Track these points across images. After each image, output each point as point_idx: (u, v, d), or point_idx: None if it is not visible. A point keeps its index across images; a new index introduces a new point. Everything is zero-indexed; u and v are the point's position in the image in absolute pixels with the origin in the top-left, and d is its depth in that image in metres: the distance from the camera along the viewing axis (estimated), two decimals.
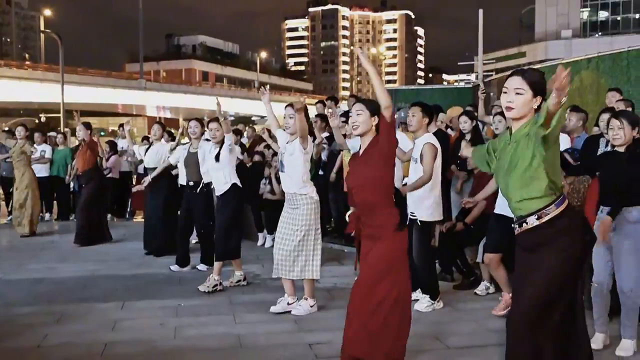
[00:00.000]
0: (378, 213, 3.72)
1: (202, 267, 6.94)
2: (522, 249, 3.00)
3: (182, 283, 6.36)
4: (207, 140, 6.96)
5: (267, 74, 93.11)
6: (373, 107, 3.80)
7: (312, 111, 10.26)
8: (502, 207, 4.94)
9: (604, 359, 3.99)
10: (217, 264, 6.00)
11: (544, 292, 2.87)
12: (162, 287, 6.18)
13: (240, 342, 4.43)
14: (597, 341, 4.11)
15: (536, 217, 2.88)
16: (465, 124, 6.64)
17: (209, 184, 6.75)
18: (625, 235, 3.99)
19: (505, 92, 2.90)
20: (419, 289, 5.31)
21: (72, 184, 11.75)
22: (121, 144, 11.37)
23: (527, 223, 2.91)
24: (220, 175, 6.02)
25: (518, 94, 2.87)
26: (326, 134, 8.01)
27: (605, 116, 5.70)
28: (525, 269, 2.95)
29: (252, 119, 56.04)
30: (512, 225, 3.04)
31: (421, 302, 5.24)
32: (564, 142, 5.24)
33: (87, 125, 8.97)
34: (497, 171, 3.06)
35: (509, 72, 12.19)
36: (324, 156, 8.23)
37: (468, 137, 6.54)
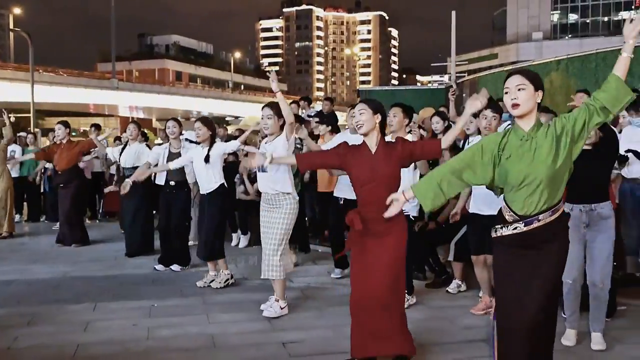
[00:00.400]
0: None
1: (175, 267, 6.91)
2: (520, 248, 2.98)
3: (155, 284, 6.33)
4: (189, 141, 7.00)
5: (241, 74, 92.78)
6: (375, 106, 3.91)
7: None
8: (474, 205, 5.01)
9: (579, 355, 4.07)
10: (221, 261, 6.07)
11: (553, 293, 2.98)
12: (135, 288, 6.14)
13: (214, 341, 4.44)
14: (570, 338, 4.21)
15: (550, 212, 2.94)
16: (437, 125, 6.73)
17: (188, 183, 6.77)
18: (599, 231, 4.10)
19: (507, 92, 2.96)
20: None
21: (42, 185, 11.61)
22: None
23: (539, 220, 2.93)
24: (210, 175, 6.03)
25: (521, 89, 2.94)
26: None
27: None
28: (524, 270, 2.96)
29: (226, 119, 55.79)
30: (512, 227, 2.98)
31: None
32: None
33: (66, 124, 8.85)
34: (515, 163, 2.95)
35: (481, 74, 12.42)
36: None
37: (440, 137, 6.63)
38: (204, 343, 4.41)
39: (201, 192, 6.19)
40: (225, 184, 6.17)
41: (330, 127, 7.72)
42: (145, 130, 11.22)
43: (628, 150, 5.40)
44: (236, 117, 56.82)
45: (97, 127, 11.73)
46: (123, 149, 7.93)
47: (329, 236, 7.55)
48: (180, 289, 6.05)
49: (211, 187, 6.02)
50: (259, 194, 8.05)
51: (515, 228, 2.97)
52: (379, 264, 3.74)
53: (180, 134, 7.01)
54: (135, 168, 7.66)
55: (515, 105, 2.94)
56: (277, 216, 4.99)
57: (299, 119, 8.71)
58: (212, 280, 6.12)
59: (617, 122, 6.17)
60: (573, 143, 2.92)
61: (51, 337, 4.57)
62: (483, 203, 4.91)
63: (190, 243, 8.14)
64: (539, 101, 2.97)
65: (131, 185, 7.68)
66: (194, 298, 5.69)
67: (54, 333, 4.66)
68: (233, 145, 6.26)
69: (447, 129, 6.83)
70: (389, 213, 3.28)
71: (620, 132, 5.85)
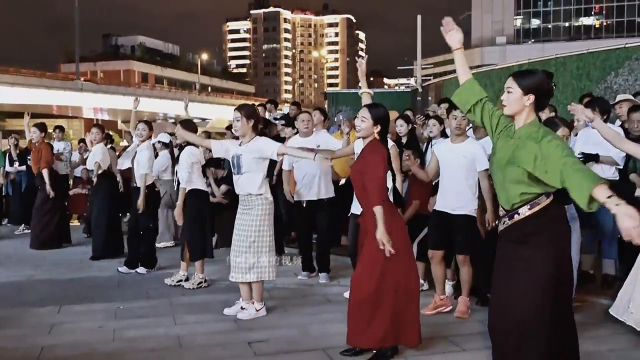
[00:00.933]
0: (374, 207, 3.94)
1: (141, 270, 6.89)
2: (509, 242, 3.07)
3: (121, 286, 6.32)
4: (161, 143, 7.02)
5: (208, 76, 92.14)
6: (376, 117, 4.06)
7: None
8: (441, 204, 5.14)
9: None
10: (198, 263, 6.10)
11: (543, 293, 2.93)
12: (100, 290, 6.12)
13: (180, 342, 4.48)
14: None
15: (528, 207, 3.01)
16: (402, 128, 6.86)
17: (155, 185, 6.78)
18: None
19: (503, 92, 3.14)
20: None
21: (3, 188, 11.39)
22: (57, 146, 11.10)
23: (519, 214, 3.03)
24: (182, 178, 6.09)
25: (509, 92, 3.08)
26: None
27: None
28: (513, 266, 3.01)
29: (193, 121, 55.33)
30: (502, 222, 3.12)
31: None
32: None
33: (41, 128, 8.77)
34: (494, 163, 3.17)
35: (445, 77, 12.64)
36: None
37: (404, 140, 6.77)
38: (170, 343, 4.44)
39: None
40: (201, 185, 6.21)
41: (296, 130, 7.81)
42: (111, 132, 11.14)
43: (581, 154, 5.59)
44: (203, 119, 56.39)
45: (61, 129, 11.62)
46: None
47: (296, 238, 7.63)
48: (147, 291, 6.06)
49: (187, 189, 6.10)
50: (224, 196, 8.13)
51: (504, 223, 3.11)
52: (365, 259, 4.00)
53: (149, 137, 7.03)
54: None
55: (503, 106, 3.13)
56: (249, 218, 5.01)
57: (265, 122, 8.81)
58: (180, 280, 6.15)
59: (572, 125, 6.39)
60: (547, 180, 2.92)
61: (15, 340, 4.54)
62: (452, 202, 5.03)
63: (162, 245, 8.15)
64: (528, 104, 3.05)
65: (98, 189, 7.69)
66: (160, 300, 5.71)
67: (18, 336, 4.63)
68: (197, 154, 6.25)
69: (410, 131, 6.97)
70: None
71: (576, 135, 6.08)
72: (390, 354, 4.01)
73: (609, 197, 2.59)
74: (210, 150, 5.86)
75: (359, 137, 4.19)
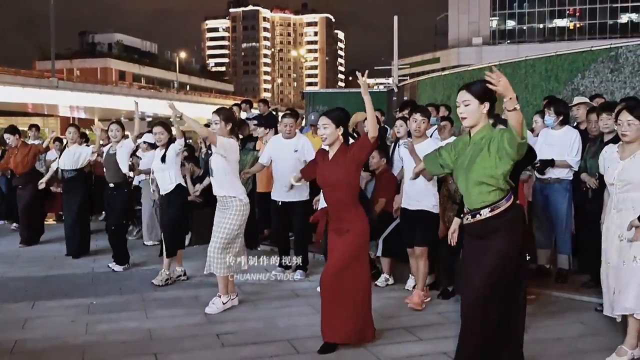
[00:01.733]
0: (345, 210, 4.18)
1: (117, 268, 6.96)
2: (472, 237, 3.44)
3: (94, 282, 6.44)
4: (147, 143, 7.11)
5: (186, 74, 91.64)
6: (337, 120, 4.26)
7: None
8: (404, 201, 5.41)
9: None
10: (166, 260, 6.20)
11: (495, 270, 3.29)
12: (73, 287, 6.23)
13: (151, 335, 4.64)
14: None
15: (489, 209, 3.33)
16: (401, 128, 7.02)
17: (129, 184, 6.87)
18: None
19: (458, 106, 3.38)
20: None
21: None
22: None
23: (480, 214, 3.35)
24: (166, 176, 6.20)
25: (466, 105, 3.35)
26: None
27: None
28: (475, 253, 3.38)
29: (171, 120, 55.07)
30: (464, 217, 3.47)
31: None
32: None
33: (13, 131, 8.92)
34: (457, 169, 3.50)
35: (419, 77, 12.87)
36: None
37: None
38: (141, 336, 4.60)
39: (161, 193, 6.36)
40: (183, 183, 6.37)
41: (268, 130, 7.98)
42: (87, 131, 11.18)
43: (539, 161, 5.78)
44: (181, 118, 56.10)
45: (36, 127, 11.63)
46: (62, 151, 7.99)
47: (269, 235, 7.80)
48: (120, 287, 6.19)
49: (169, 187, 6.21)
50: (198, 194, 8.26)
51: (467, 219, 3.44)
52: (335, 258, 4.21)
53: (123, 137, 7.13)
54: (75, 170, 7.72)
55: (463, 119, 3.39)
56: (225, 216, 5.21)
57: (239, 122, 8.95)
58: (168, 279, 6.24)
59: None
60: (498, 161, 3.28)
61: None
62: (411, 198, 5.31)
63: (150, 243, 8.22)
64: (485, 111, 3.35)
65: (72, 187, 7.77)
66: (132, 295, 5.85)
67: None
68: (178, 144, 6.33)
69: (379, 132, 7.17)
70: None
71: (536, 136, 6.34)
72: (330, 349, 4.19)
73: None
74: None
75: (327, 145, 4.33)
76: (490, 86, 3.07)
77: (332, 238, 4.30)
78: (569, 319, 4.85)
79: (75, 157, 7.78)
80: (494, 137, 3.28)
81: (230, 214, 5.20)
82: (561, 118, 5.91)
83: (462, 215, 3.58)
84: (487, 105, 3.35)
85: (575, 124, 6.55)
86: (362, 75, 4.13)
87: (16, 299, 5.68)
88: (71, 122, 57.31)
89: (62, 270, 7.09)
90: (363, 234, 4.24)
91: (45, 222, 11.05)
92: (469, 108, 3.35)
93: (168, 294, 5.88)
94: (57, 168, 8.25)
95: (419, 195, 5.27)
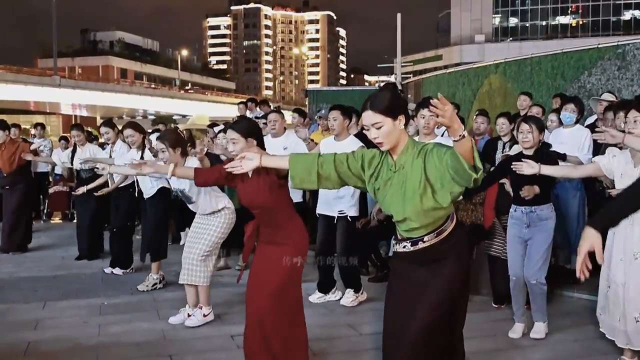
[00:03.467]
0: (281, 220, 3.66)
1: (118, 271, 6.82)
2: (413, 264, 2.84)
3: (104, 283, 6.42)
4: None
5: (188, 72, 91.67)
6: (346, 111, 4.17)
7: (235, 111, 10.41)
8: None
9: (522, 344, 4.45)
10: (154, 264, 6.08)
11: (445, 300, 2.76)
12: (84, 287, 6.21)
13: (165, 335, 4.62)
14: (517, 331, 4.57)
15: (435, 234, 2.76)
16: (410, 128, 6.99)
17: (132, 186, 6.82)
18: (538, 231, 4.45)
19: (367, 129, 2.71)
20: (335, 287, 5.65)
21: None
22: (36, 144, 11.09)
23: (424, 241, 2.77)
24: (146, 180, 6.02)
25: (378, 128, 2.66)
26: None
27: (501, 120, 6.28)
28: (415, 283, 2.81)
29: (173, 118, 55.13)
30: (402, 245, 2.84)
31: (346, 297, 5.50)
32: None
33: (3, 126, 8.41)
34: (386, 198, 2.79)
35: (424, 75, 12.78)
36: None
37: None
38: (155, 337, 4.58)
39: (144, 197, 6.18)
40: (167, 185, 6.06)
41: None
42: (90, 129, 11.13)
43: (552, 151, 5.78)
44: (184, 116, 56.14)
45: (42, 126, 11.61)
46: (73, 152, 7.84)
47: None
48: (130, 287, 6.16)
49: (151, 192, 6.06)
50: None
51: (405, 247, 2.83)
52: (270, 273, 3.61)
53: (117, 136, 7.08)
54: (91, 170, 7.54)
55: (380, 144, 2.70)
56: (211, 224, 4.89)
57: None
58: (156, 284, 6.11)
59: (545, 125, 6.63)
60: (442, 185, 2.64)
61: (1, 336, 4.63)
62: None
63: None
64: (401, 127, 2.69)
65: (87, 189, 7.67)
66: (144, 295, 5.82)
67: (3, 332, 4.73)
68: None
69: None
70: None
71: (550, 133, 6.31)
72: None
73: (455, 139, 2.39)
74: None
75: (335, 137, 4.25)
76: (436, 119, 2.36)
77: (266, 250, 3.70)
78: (584, 320, 4.82)
79: (92, 156, 7.59)
80: (428, 161, 2.63)
81: (218, 223, 4.89)
82: (580, 116, 5.92)
83: (397, 241, 2.88)
84: (402, 118, 2.68)
85: (595, 119, 6.52)
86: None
87: (27, 300, 5.66)
88: (73, 120, 57.53)
89: (70, 270, 7.06)
90: (300, 247, 3.66)
91: (52, 221, 11.12)
92: (383, 129, 2.65)
93: (179, 294, 5.81)
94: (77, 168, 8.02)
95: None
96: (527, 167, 4.18)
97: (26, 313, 5.25)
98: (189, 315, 4.93)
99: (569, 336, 4.53)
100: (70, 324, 4.93)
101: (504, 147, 6.17)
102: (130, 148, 6.38)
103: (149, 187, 6.09)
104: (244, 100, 11.64)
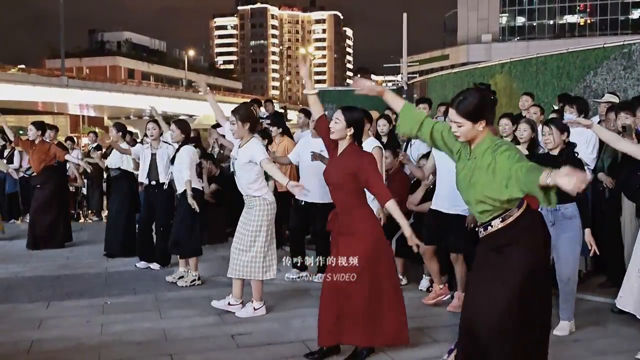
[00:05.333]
0: (349, 210, 4.02)
1: (155, 266, 6.99)
2: (487, 249, 3.12)
3: (108, 283, 6.47)
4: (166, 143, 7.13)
5: (195, 72, 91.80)
6: (350, 118, 4.11)
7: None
8: (437, 203, 5.32)
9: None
10: (192, 261, 6.20)
11: (521, 289, 2.93)
12: (87, 287, 6.26)
13: (166, 335, 4.65)
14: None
15: (500, 220, 3.02)
16: (384, 128, 7.04)
17: (171, 183, 6.85)
18: (563, 229, 4.49)
19: (451, 121, 3.08)
20: None
21: None
22: (71, 158, 11.12)
23: (492, 226, 3.05)
24: (179, 177, 6.20)
25: (459, 126, 3.03)
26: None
27: (503, 121, 6.27)
28: (492, 269, 3.04)
29: (180, 117, 55.21)
30: (477, 229, 3.20)
31: None
32: None
33: (39, 126, 8.71)
34: (459, 183, 3.17)
35: (430, 75, 12.80)
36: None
37: (385, 139, 6.95)
38: (156, 337, 4.61)
39: (177, 192, 6.36)
40: (198, 184, 6.33)
41: (280, 129, 7.98)
42: (96, 130, 11.20)
43: None
44: (191, 116, 56.29)
45: (55, 129, 11.55)
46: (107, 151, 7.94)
47: (288, 236, 7.76)
48: (133, 287, 6.21)
49: (181, 189, 6.21)
50: (212, 195, 8.27)
51: (480, 232, 3.17)
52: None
53: (160, 134, 7.12)
54: (120, 169, 7.68)
55: (457, 137, 3.09)
56: (250, 217, 5.08)
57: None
58: (180, 277, 6.27)
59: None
60: (506, 185, 2.92)
61: (5, 334, 4.68)
62: (446, 201, 5.21)
63: None
64: (481, 129, 3.01)
65: (116, 187, 7.70)
66: (146, 295, 5.87)
67: (7, 330, 4.77)
68: (186, 174, 6.15)
69: (391, 131, 7.16)
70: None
71: None
72: (366, 354, 4.10)
73: (548, 175, 2.59)
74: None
75: (334, 139, 4.22)
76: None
77: (337, 239, 4.12)
78: (585, 320, 4.82)
79: (118, 156, 7.72)
80: (499, 161, 2.92)
81: (254, 215, 5.06)
82: (582, 116, 5.89)
83: (475, 228, 3.31)
84: (482, 123, 3.01)
85: (599, 121, 6.51)
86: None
87: (31, 299, 5.71)
88: (81, 120, 57.74)
89: (75, 270, 7.12)
90: (371, 234, 4.02)
91: None
92: (463, 129, 3.03)
93: (181, 294, 5.89)
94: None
95: (454, 199, 5.16)
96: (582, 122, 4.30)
97: (30, 312, 5.29)
98: (229, 304, 5.15)
99: (569, 336, 4.53)
100: (73, 323, 4.97)
101: None
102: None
103: (180, 185, 6.22)
104: (248, 101, 11.66)
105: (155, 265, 7.03)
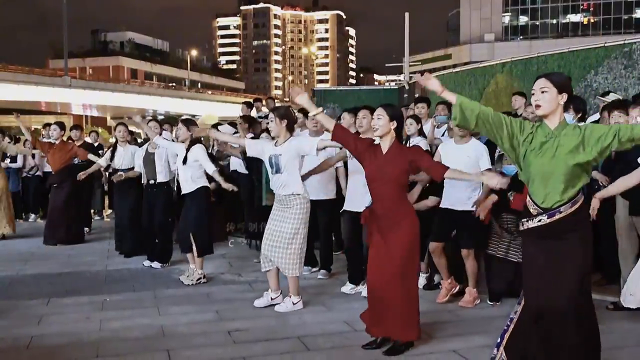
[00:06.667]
0: (396, 206, 4.17)
1: (156, 264, 7.03)
2: (542, 238, 3.20)
3: (108, 280, 6.53)
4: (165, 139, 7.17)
5: (198, 72, 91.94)
6: (393, 113, 4.24)
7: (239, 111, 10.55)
8: (447, 201, 5.38)
9: None
10: (198, 260, 6.24)
11: (584, 277, 3.15)
12: (87, 284, 6.32)
13: (164, 331, 4.70)
14: None
15: (570, 205, 3.15)
16: (411, 127, 6.98)
17: (169, 182, 6.87)
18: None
19: (534, 94, 3.21)
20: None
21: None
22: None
23: (560, 212, 3.15)
24: (188, 177, 6.24)
25: (544, 92, 3.16)
26: (251, 135, 8.30)
27: None
28: (554, 255, 3.16)
29: (183, 118, 55.27)
30: (537, 219, 3.21)
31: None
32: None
33: (62, 126, 8.94)
34: (534, 165, 3.20)
35: (433, 74, 12.66)
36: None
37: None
38: (154, 333, 4.67)
39: (182, 192, 6.37)
40: (207, 183, 6.36)
41: None
42: (99, 130, 11.29)
43: None
44: (193, 116, 56.36)
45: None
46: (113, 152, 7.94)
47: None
48: (133, 284, 6.28)
49: (189, 188, 6.24)
50: (212, 193, 8.29)
51: (540, 220, 3.19)
52: (384, 257, 4.16)
53: (160, 133, 7.19)
54: (128, 170, 7.65)
55: (537, 106, 3.20)
56: (288, 215, 5.14)
57: (250, 120, 9.00)
58: (200, 278, 6.27)
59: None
60: (594, 153, 3.12)
61: (5, 330, 4.74)
62: (456, 199, 5.30)
63: None
64: (562, 103, 3.19)
65: (125, 187, 7.68)
66: (145, 292, 5.92)
67: (7, 327, 4.83)
68: (210, 167, 6.28)
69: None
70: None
71: None
72: (404, 348, 4.18)
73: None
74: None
75: (378, 137, 4.29)
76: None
77: (381, 236, 4.22)
78: None
79: (129, 156, 7.73)
80: (587, 129, 3.16)
81: (294, 213, 5.14)
82: (579, 115, 5.92)
83: (530, 218, 3.26)
84: (564, 96, 3.18)
85: (597, 118, 6.54)
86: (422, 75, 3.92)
87: (32, 296, 5.77)
88: (84, 120, 57.86)
89: (76, 268, 7.18)
90: (414, 231, 4.19)
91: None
92: (546, 95, 3.17)
93: (180, 291, 5.95)
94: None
95: (463, 196, 5.25)
96: None
97: (31, 309, 5.35)
98: (272, 299, 5.30)
99: None
100: (72, 320, 5.03)
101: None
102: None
103: (188, 184, 6.25)
104: (249, 100, 11.74)
105: (156, 264, 7.06)
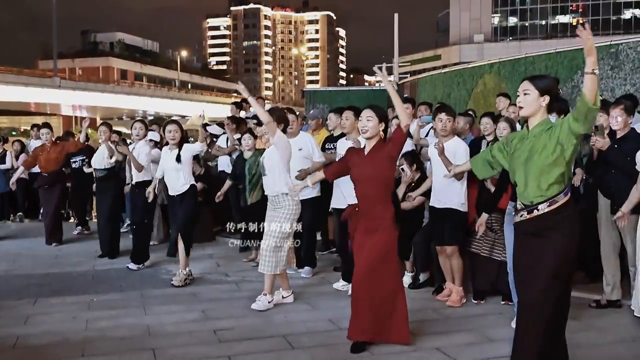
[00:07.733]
0: (377, 207, 4.19)
1: (132, 266, 6.94)
2: (527, 234, 3.35)
3: (95, 280, 6.53)
4: (153, 142, 7.15)
5: (188, 72, 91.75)
6: (382, 114, 4.29)
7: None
8: (432, 199, 5.44)
9: (497, 338, 4.56)
10: (183, 260, 6.19)
11: (559, 272, 3.23)
12: (74, 284, 6.32)
13: (150, 330, 4.72)
14: None
15: (548, 204, 3.25)
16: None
17: (148, 182, 6.83)
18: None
19: (518, 95, 3.37)
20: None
21: None
22: (33, 144, 11.21)
23: (538, 210, 3.27)
24: (180, 176, 6.23)
25: (526, 94, 3.32)
26: (238, 135, 8.33)
27: (485, 120, 6.37)
28: (531, 253, 3.29)
29: (173, 118, 55.10)
30: (520, 214, 3.36)
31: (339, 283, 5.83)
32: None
33: (50, 127, 8.97)
34: (513, 163, 3.43)
35: (419, 75, 12.88)
36: (234, 156, 8.47)
37: None
38: (140, 332, 4.69)
39: (170, 194, 6.36)
40: (195, 183, 6.40)
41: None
42: (89, 131, 11.21)
43: None
44: (183, 117, 56.23)
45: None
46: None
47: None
48: (119, 284, 6.28)
49: (182, 188, 6.23)
50: (199, 193, 8.30)
51: (522, 216, 3.36)
52: (365, 257, 4.18)
53: (145, 136, 7.18)
54: (106, 169, 7.60)
55: (520, 108, 3.37)
56: (280, 216, 5.24)
57: (238, 120, 9.02)
58: (187, 278, 6.23)
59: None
60: (561, 146, 3.24)
61: None
62: (439, 196, 5.34)
63: (151, 243, 8.09)
64: (544, 105, 3.32)
65: (103, 188, 7.68)
66: (132, 292, 5.93)
67: None
68: (198, 147, 6.45)
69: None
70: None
71: None
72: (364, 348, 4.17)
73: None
74: None
75: (367, 138, 4.33)
76: (581, 38, 2.99)
77: (361, 236, 4.27)
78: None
79: (106, 155, 7.66)
80: (556, 126, 3.29)
81: (284, 213, 5.24)
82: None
83: (513, 213, 3.50)
84: (546, 98, 3.31)
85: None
86: (380, 70, 4.27)
87: (19, 296, 5.77)
88: (74, 121, 57.58)
89: (63, 268, 7.17)
90: (392, 232, 4.22)
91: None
92: (528, 97, 3.32)
93: (167, 291, 5.96)
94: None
95: (447, 193, 5.28)
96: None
97: (17, 309, 5.35)
98: (283, 297, 5.45)
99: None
100: (59, 320, 5.04)
101: (487, 146, 6.27)
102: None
103: (181, 184, 6.23)
104: (237, 100, 11.72)
105: (132, 265, 6.93)
